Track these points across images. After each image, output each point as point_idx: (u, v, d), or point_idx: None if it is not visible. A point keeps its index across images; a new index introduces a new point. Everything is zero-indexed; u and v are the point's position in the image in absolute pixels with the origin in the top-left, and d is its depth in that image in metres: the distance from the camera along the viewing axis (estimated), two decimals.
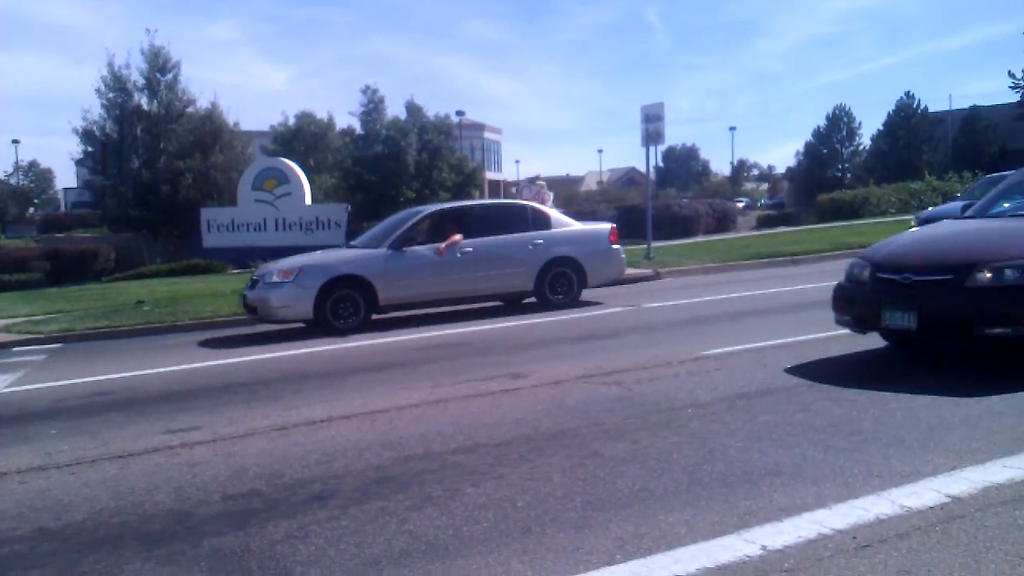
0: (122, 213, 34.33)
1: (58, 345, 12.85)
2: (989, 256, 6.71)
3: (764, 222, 45.30)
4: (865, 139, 65.11)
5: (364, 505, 4.51)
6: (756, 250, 20.93)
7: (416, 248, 12.72)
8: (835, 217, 35.19)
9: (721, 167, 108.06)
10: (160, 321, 14.13)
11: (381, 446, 5.68)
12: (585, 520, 4.07)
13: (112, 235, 36.69)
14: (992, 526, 3.67)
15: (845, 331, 8.80)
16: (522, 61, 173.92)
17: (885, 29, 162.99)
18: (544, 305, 13.05)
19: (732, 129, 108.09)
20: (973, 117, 60.13)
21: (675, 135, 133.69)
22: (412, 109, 40.88)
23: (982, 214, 8.37)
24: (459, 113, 57.80)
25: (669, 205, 39.94)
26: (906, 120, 59.91)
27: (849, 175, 61.32)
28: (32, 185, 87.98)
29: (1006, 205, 8.34)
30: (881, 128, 61.81)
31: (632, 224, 33.20)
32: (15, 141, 76.12)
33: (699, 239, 31.92)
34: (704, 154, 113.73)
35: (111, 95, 33.80)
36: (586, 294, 13.79)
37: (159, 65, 34.25)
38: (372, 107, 40.14)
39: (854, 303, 7.57)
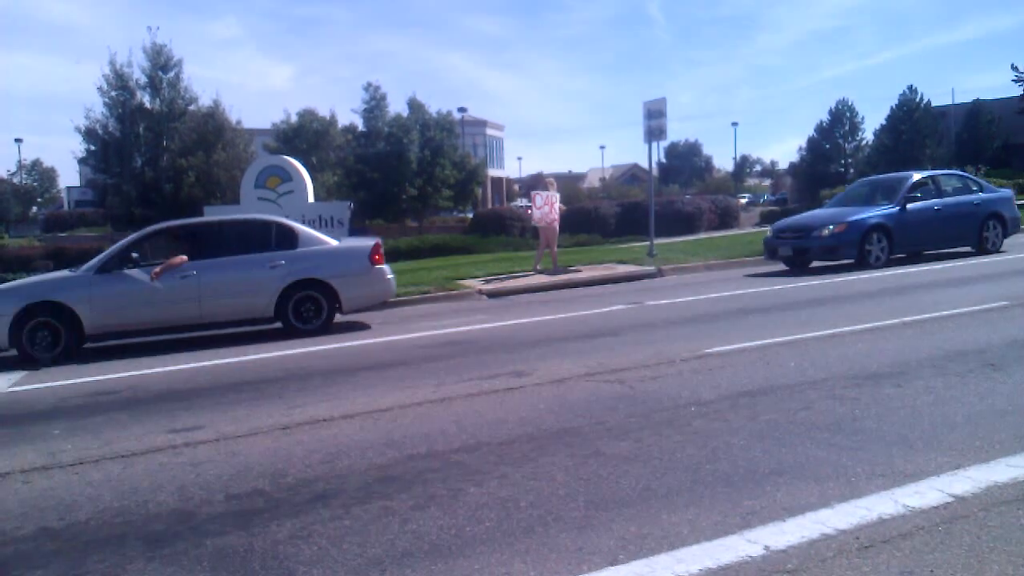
0: (125, 211, 34.38)
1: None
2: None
3: (767, 218, 45.21)
4: (868, 134, 65.17)
5: (367, 505, 4.51)
6: (759, 247, 20.87)
7: (129, 271, 11.61)
8: None
9: (724, 163, 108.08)
10: None
11: (384, 445, 5.68)
12: (588, 520, 4.08)
13: (115, 233, 36.71)
14: (995, 526, 3.67)
15: (847, 328, 8.86)
16: (523, 57, 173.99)
17: (887, 23, 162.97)
18: (290, 333, 11.92)
19: (734, 125, 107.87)
20: (976, 111, 60.11)
21: (677, 131, 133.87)
22: (414, 106, 40.90)
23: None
24: (461, 110, 57.90)
25: (672, 201, 39.92)
26: (909, 115, 59.87)
27: (852, 170, 61.29)
28: (35, 184, 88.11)
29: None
30: (884, 123, 61.82)
31: (635, 221, 33.20)
32: (18, 140, 76.89)
33: (702, 236, 31.93)
34: (707, 150, 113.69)
35: (113, 93, 33.85)
36: (352, 319, 13.19)
37: (161, 63, 34.28)
38: (374, 104, 40.17)
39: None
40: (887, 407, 5.74)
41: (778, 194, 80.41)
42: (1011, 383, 6.17)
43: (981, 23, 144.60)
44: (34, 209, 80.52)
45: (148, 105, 34.40)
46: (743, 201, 61.34)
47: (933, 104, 61.96)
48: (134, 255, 11.72)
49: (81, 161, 40.29)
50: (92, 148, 34.97)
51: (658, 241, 21.25)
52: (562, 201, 19.38)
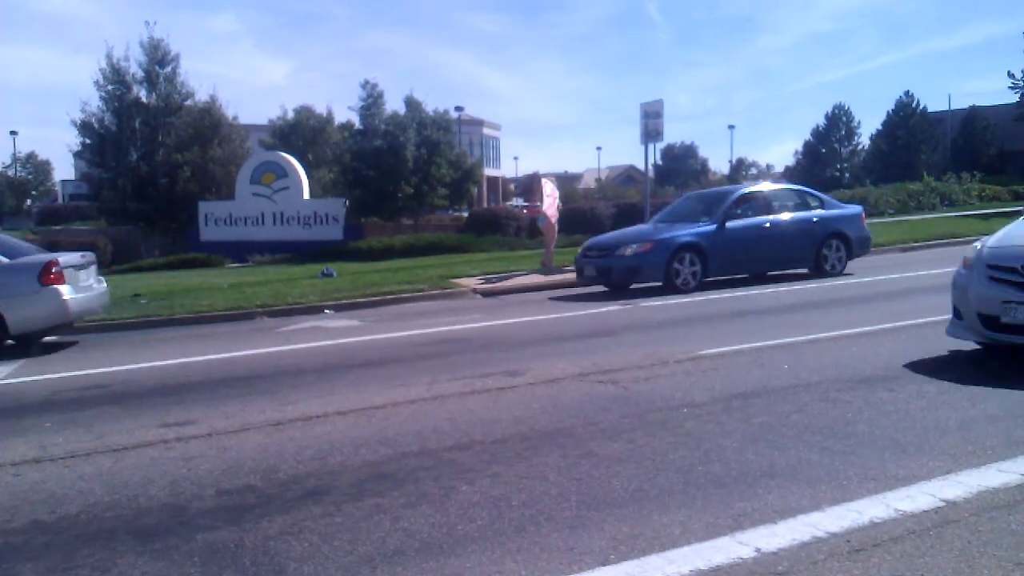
0: (120, 206, 34.31)
1: (54, 338, 12.82)
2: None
3: None
4: (864, 139, 65.32)
5: (359, 502, 4.51)
6: None
7: None
8: None
9: (720, 165, 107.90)
10: (157, 314, 14.15)
11: (377, 442, 5.67)
12: (580, 520, 4.07)
13: (110, 228, 36.70)
14: (986, 531, 3.68)
15: (840, 332, 8.88)
16: (521, 55, 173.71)
17: (885, 27, 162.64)
18: None
19: (731, 127, 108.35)
20: (972, 117, 60.22)
21: (674, 133, 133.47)
22: (411, 104, 40.78)
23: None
24: (458, 108, 57.75)
25: (668, 203, 39.89)
26: (905, 120, 60.05)
27: (848, 175, 61.46)
28: (30, 177, 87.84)
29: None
30: (880, 128, 61.99)
31: (630, 222, 33.16)
32: (13, 132, 76.02)
33: None
34: (703, 152, 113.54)
35: (110, 87, 33.77)
36: (47, 345, 12.22)
37: (158, 58, 34.22)
38: (371, 101, 40.03)
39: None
40: (879, 411, 5.75)
41: None
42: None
43: (978, 29, 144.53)
44: (28, 202, 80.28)
45: (144, 99, 34.33)
46: None
47: (930, 110, 62.14)
48: None
49: (76, 155, 40.21)
50: (88, 142, 34.90)
51: None
52: (559, 200, 19.34)
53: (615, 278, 14.63)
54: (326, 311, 14.34)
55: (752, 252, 14.95)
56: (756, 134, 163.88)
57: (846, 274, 15.13)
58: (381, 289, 15.84)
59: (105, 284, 13.02)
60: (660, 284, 14.14)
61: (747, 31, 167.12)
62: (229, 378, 8.60)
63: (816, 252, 15.23)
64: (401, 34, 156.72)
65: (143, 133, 34.30)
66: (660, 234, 14.74)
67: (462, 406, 6.68)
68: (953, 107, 65.27)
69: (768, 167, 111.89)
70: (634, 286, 14.48)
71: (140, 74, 34.23)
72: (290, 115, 47.12)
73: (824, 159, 64.27)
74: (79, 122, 34.07)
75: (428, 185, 38.84)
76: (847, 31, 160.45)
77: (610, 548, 3.71)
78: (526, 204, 20.19)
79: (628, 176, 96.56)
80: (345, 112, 48.87)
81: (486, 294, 15.90)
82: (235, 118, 37.67)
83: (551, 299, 14.52)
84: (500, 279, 17.38)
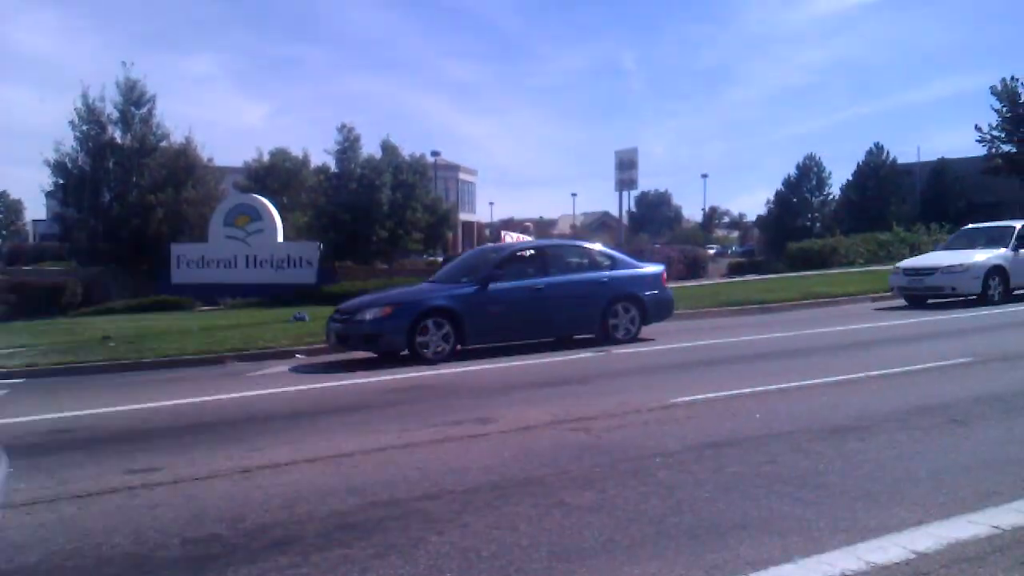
0: (91, 247, 34.03)
1: (21, 380, 12.63)
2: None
3: (735, 269, 45.67)
4: (835, 189, 66.15)
5: (326, 552, 4.43)
6: (727, 297, 21.07)
7: None
8: (804, 266, 35.59)
9: (693, 214, 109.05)
10: (126, 358, 13.96)
11: (345, 491, 5.59)
12: (550, 571, 4.02)
13: (80, 269, 36.33)
14: None
15: (814, 381, 8.91)
16: (498, 103, 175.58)
17: (856, 80, 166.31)
18: None
19: (704, 176, 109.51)
20: (941, 170, 61.24)
21: (648, 181, 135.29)
22: (387, 148, 41.04)
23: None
24: (434, 153, 58.11)
25: (641, 250, 40.14)
26: (875, 171, 60.99)
27: (819, 224, 62.10)
28: (0, 216, 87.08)
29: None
30: (851, 179, 62.87)
31: None
32: None
33: (670, 285, 32.04)
34: (676, 200, 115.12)
35: (85, 127, 33.65)
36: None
37: (134, 98, 34.19)
38: (347, 145, 40.26)
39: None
40: (851, 462, 5.75)
41: (745, 245, 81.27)
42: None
43: (947, 84, 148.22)
44: None
45: (119, 140, 34.23)
46: (711, 252, 61.83)
47: (899, 161, 63.13)
48: None
49: (49, 195, 39.94)
50: (60, 182, 34.67)
51: None
52: None
53: (353, 345, 13.19)
54: (297, 356, 14.22)
55: (522, 316, 13.46)
56: (729, 183, 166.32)
57: (643, 340, 14.00)
58: None
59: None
60: (406, 353, 12.56)
61: (721, 83, 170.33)
62: (197, 424, 8.48)
63: (602, 316, 13.87)
64: (379, 79, 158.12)
65: (117, 174, 34.15)
66: (409, 296, 13.50)
67: (432, 454, 6.61)
68: (922, 159, 66.39)
69: (741, 215, 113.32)
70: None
71: (115, 114, 34.17)
72: (266, 158, 47.18)
73: (795, 209, 64.95)
74: (52, 162, 33.88)
75: (403, 229, 38.95)
76: (819, 84, 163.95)
77: None
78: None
79: (603, 222, 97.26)
80: (321, 155, 49.15)
81: None
82: (210, 160, 37.64)
83: (525, 344, 14.48)
84: None
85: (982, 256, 18.40)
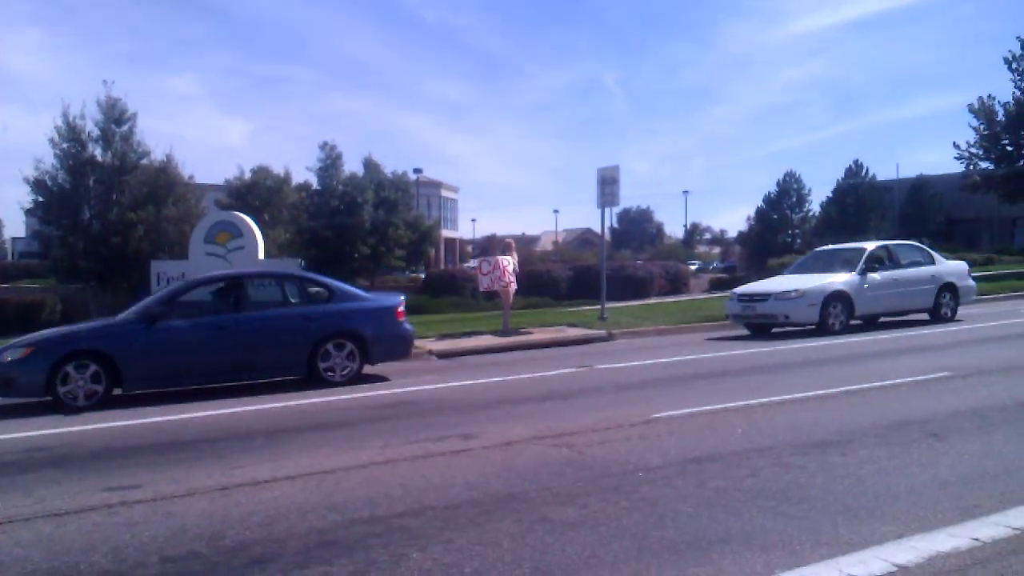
0: (70, 264, 33.76)
1: None
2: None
3: (716, 285, 45.79)
4: (815, 205, 66.72)
5: (306, 570, 4.39)
6: (709, 312, 21.14)
7: None
8: None
9: (675, 230, 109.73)
10: None
11: (326, 508, 5.56)
12: None
13: (59, 286, 36.03)
14: None
15: (799, 395, 8.95)
16: (481, 121, 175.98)
17: (836, 99, 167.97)
18: None
19: (686, 193, 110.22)
20: (920, 186, 61.93)
21: (630, 198, 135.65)
22: (369, 166, 41.04)
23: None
24: (416, 171, 58.15)
25: (624, 266, 40.39)
26: (855, 188, 61.60)
27: (799, 240, 62.51)
28: None
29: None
30: (830, 195, 63.43)
31: (586, 284, 33.46)
32: None
33: (652, 300, 32.18)
34: (658, 217, 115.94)
35: (65, 145, 33.45)
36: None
37: (115, 116, 34.00)
38: (329, 163, 40.24)
39: None
40: (832, 476, 5.77)
41: (727, 261, 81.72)
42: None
43: (926, 102, 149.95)
44: None
45: (99, 158, 34.03)
46: (693, 268, 62.09)
47: (878, 178, 63.77)
48: None
49: (28, 212, 39.62)
50: (40, 199, 34.42)
51: (609, 305, 21.38)
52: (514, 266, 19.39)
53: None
54: None
55: (201, 359, 11.86)
56: (710, 200, 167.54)
57: (380, 380, 12.59)
58: None
59: None
60: (51, 399, 10.97)
61: (702, 101, 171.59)
62: (176, 441, 8.41)
63: (310, 356, 12.29)
64: (362, 98, 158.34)
65: (97, 191, 33.91)
66: (56, 336, 11.72)
67: (415, 471, 6.58)
68: (901, 176, 67.12)
69: (722, 232, 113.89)
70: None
71: (96, 132, 33.96)
72: (247, 175, 47.01)
73: (776, 225, 65.40)
74: (32, 179, 33.64)
75: (385, 246, 38.92)
76: (799, 102, 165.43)
77: None
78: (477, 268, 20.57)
79: (585, 239, 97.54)
80: (303, 173, 48.92)
81: (442, 355, 15.82)
82: (191, 177, 37.44)
83: (509, 360, 14.48)
84: (456, 340, 17.33)
85: (822, 281, 16.75)
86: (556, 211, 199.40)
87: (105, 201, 34.07)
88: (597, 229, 28.90)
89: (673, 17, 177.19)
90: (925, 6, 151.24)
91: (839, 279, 16.87)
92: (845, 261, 17.72)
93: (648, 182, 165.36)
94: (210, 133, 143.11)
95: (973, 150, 45.84)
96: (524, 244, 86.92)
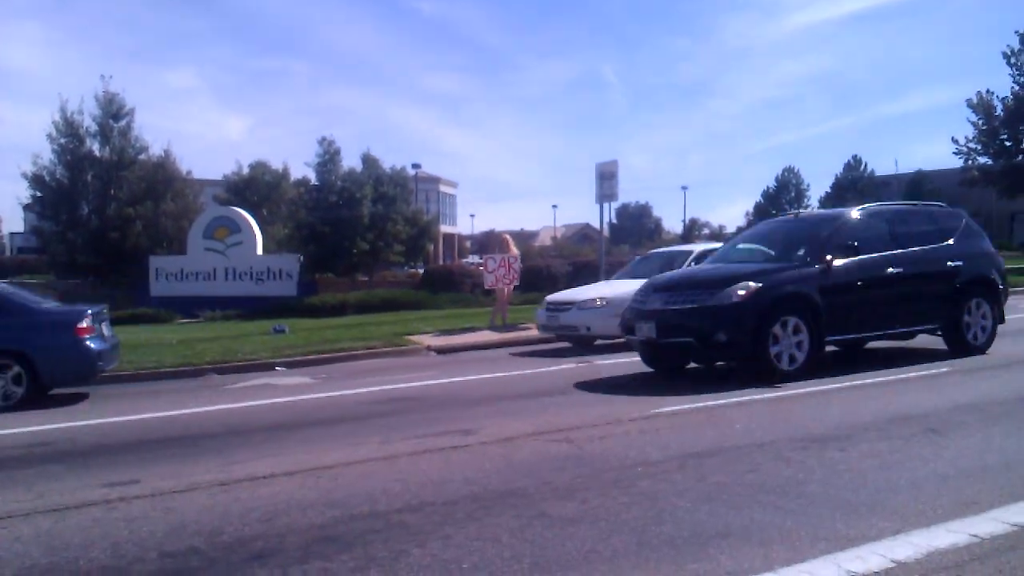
0: (69, 259, 33.79)
1: None
2: None
3: None
4: (813, 200, 66.77)
5: (305, 565, 4.39)
6: None
7: None
8: None
9: (673, 225, 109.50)
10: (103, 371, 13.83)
11: (325, 504, 5.56)
12: None
13: (58, 281, 36.06)
14: None
15: (798, 391, 8.95)
16: (480, 115, 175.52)
17: (835, 93, 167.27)
18: None
19: (684, 188, 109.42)
20: (919, 181, 61.97)
21: (629, 193, 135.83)
22: (368, 161, 40.92)
23: None
24: (415, 166, 58.02)
25: (623, 261, 40.31)
26: (853, 183, 61.69)
27: None
28: None
29: None
30: (829, 190, 63.50)
31: (585, 279, 33.43)
32: None
33: None
34: (657, 212, 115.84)
35: (63, 140, 33.45)
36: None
37: (113, 111, 34.02)
38: (328, 158, 40.12)
39: None
40: (832, 470, 5.77)
41: None
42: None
43: (925, 96, 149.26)
44: None
45: (97, 153, 34.04)
46: None
47: (877, 173, 63.86)
48: None
49: (26, 207, 39.61)
50: (38, 195, 34.44)
51: None
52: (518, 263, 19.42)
53: None
54: (277, 368, 14.16)
55: None
56: (709, 195, 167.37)
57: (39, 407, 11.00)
58: (334, 346, 15.71)
59: None
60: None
61: (700, 96, 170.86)
62: (176, 437, 8.42)
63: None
64: (361, 93, 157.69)
65: (95, 187, 33.95)
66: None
67: (414, 466, 6.58)
68: (900, 171, 67.13)
69: (720, 227, 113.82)
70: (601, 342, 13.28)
71: (94, 127, 33.98)
72: (245, 170, 47.00)
73: None
74: (30, 175, 33.65)
75: (383, 241, 38.84)
76: (798, 97, 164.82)
77: None
78: (482, 263, 20.55)
79: (584, 234, 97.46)
80: (301, 168, 49.09)
81: (441, 351, 15.83)
82: (189, 172, 37.50)
83: (508, 356, 14.48)
84: (455, 336, 17.33)
85: (632, 287, 12.97)
86: (555, 206, 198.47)
87: (103, 196, 34.11)
88: (596, 224, 28.94)
89: (671, 10, 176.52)
90: (924, 0, 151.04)
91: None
92: (669, 265, 14.90)
93: (646, 176, 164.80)
94: (208, 128, 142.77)
95: (972, 145, 45.82)
96: (523, 239, 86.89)
